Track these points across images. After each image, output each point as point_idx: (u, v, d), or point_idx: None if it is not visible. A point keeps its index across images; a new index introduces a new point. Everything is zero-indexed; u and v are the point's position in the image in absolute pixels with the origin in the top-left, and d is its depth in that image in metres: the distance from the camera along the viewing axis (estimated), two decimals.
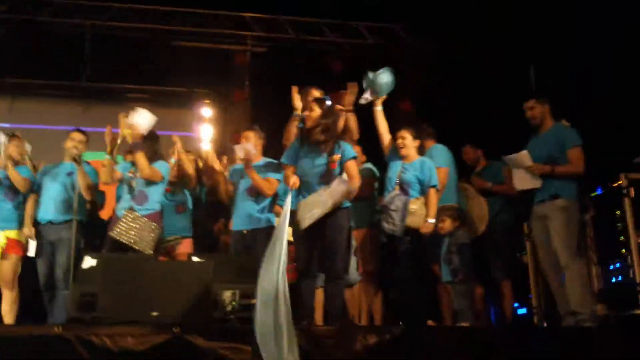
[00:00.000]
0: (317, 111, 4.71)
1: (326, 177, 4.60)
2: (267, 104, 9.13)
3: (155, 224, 5.28)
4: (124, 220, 5.22)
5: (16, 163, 5.59)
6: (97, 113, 9.12)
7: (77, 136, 5.65)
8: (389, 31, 9.67)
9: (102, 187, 6.01)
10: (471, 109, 7.99)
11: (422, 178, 5.00)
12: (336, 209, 4.54)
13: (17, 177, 5.43)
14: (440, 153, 5.45)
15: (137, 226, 5.20)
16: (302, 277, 4.59)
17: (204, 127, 9.47)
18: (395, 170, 5.09)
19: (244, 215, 5.20)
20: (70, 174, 5.53)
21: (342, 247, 4.55)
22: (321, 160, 4.65)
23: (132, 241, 5.17)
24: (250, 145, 5.14)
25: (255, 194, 5.20)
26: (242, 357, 3.68)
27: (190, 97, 9.50)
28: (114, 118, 8.74)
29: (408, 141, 5.08)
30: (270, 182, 5.15)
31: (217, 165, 5.74)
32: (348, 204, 4.69)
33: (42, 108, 9.25)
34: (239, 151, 5.08)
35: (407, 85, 9.70)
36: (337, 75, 9.47)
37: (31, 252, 5.58)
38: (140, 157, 5.28)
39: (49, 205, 5.48)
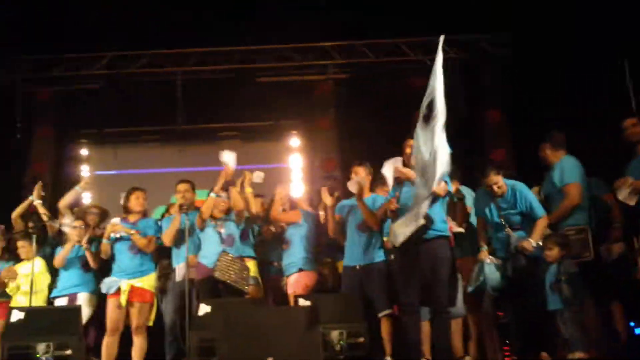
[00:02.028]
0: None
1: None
2: (352, 128, 9.29)
3: (245, 263, 5.63)
4: (224, 262, 5.52)
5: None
6: (191, 153, 9.65)
7: (182, 187, 5.89)
8: (471, 43, 9.57)
9: None
10: (562, 116, 7.76)
11: (521, 209, 5.03)
12: (435, 238, 4.59)
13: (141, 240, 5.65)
14: (572, 167, 5.26)
15: (236, 267, 5.53)
16: (404, 313, 4.64)
17: (294, 157, 9.78)
18: (492, 211, 5.14)
19: (357, 250, 5.26)
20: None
21: (444, 279, 4.57)
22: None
23: (234, 281, 5.48)
24: (360, 179, 5.24)
25: (367, 229, 5.25)
26: None
27: (278, 129, 9.79)
28: (207, 157, 9.32)
29: (501, 182, 5.10)
30: (375, 217, 5.21)
31: (328, 201, 5.59)
32: (448, 233, 4.73)
33: (141, 153, 9.84)
34: (352, 186, 5.21)
35: (493, 97, 9.65)
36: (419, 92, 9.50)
37: None
38: (235, 193, 5.64)
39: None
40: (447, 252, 4.64)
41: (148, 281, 5.65)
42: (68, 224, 5.75)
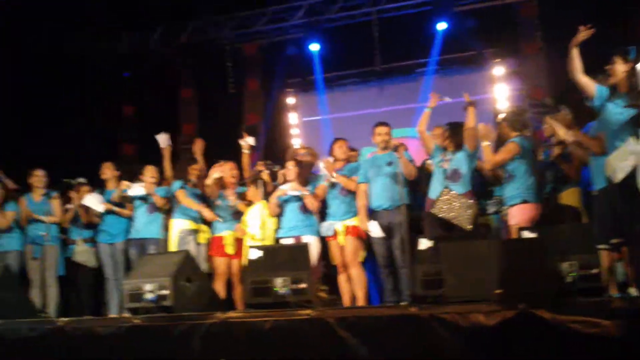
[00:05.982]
0: (621, 66, 4.40)
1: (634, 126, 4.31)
2: (562, 52, 8.59)
3: (471, 201, 5.54)
4: (443, 199, 5.57)
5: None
6: (391, 92, 9.69)
7: (382, 129, 5.98)
8: None
9: None
10: None
11: None
12: None
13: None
14: None
15: (457, 204, 5.52)
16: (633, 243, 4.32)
17: (499, 86, 9.37)
18: None
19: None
20: (389, 163, 5.91)
21: None
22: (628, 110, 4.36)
23: (452, 217, 5.50)
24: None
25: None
26: (594, 331, 3.63)
27: (481, 58, 9.37)
28: (405, 94, 9.31)
29: None
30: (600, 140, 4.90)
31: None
32: None
33: (344, 97, 10.03)
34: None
35: None
36: None
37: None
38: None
39: (380, 194, 5.92)
40: None
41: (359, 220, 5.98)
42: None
